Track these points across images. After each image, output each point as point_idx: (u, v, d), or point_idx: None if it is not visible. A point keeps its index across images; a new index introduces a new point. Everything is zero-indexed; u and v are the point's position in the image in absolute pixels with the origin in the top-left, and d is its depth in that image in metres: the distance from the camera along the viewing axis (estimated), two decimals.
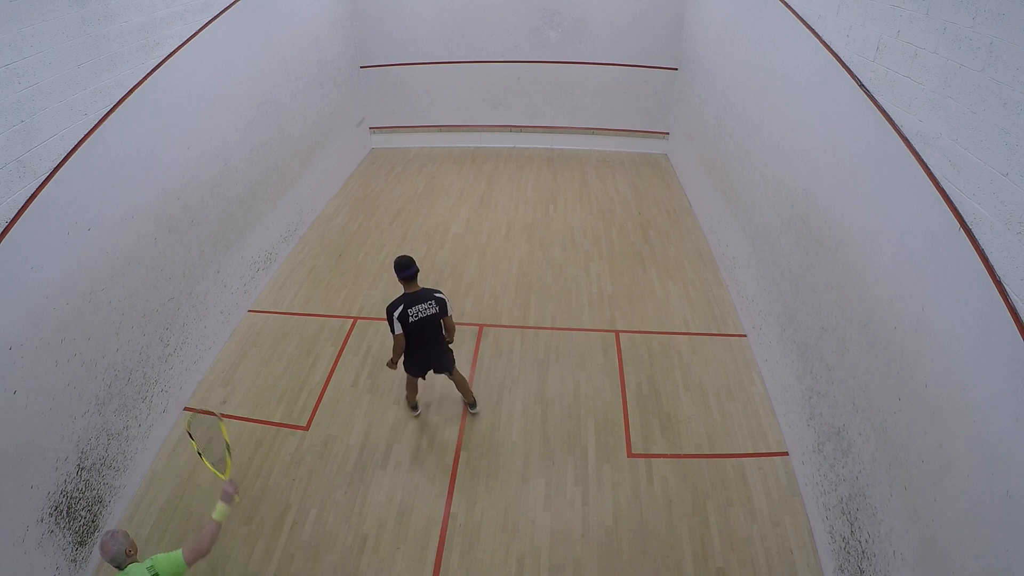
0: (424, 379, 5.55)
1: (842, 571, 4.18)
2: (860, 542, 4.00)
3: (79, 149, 4.49)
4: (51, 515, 4.21)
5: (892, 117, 3.93)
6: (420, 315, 4.89)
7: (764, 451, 5.41)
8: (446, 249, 8.50)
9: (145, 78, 5.25)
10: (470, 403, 5.78)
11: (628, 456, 5.37)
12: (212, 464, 3.80)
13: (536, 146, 11.83)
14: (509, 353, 6.57)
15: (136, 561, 3.30)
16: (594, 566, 4.52)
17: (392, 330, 4.88)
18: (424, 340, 5.07)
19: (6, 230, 3.87)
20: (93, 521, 4.61)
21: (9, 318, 3.89)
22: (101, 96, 4.74)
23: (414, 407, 5.75)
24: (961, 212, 3.21)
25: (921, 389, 3.45)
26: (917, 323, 3.53)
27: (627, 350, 6.60)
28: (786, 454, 5.36)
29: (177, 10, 5.71)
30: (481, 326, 6.99)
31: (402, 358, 5.19)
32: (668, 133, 11.36)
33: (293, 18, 8.37)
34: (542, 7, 10.59)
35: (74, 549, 4.39)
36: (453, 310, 5.21)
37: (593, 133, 11.61)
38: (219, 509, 3.53)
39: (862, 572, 3.92)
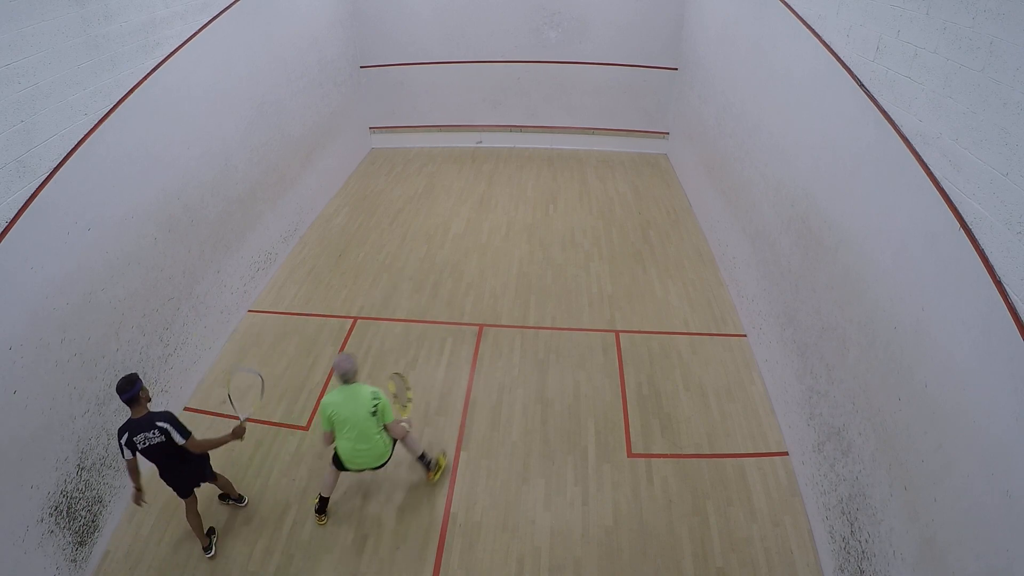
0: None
1: (842, 571, 4.18)
2: (860, 542, 4.00)
3: (79, 149, 4.50)
4: (51, 515, 4.21)
5: (892, 117, 3.93)
6: (147, 443, 4.16)
7: (764, 451, 5.41)
8: (446, 249, 8.50)
9: (145, 78, 5.25)
10: (235, 498, 5.00)
11: (628, 456, 5.37)
12: (403, 406, 4.87)
13: (536, 146, 11.83)
14: (509, 353, 6.57)
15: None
16: (594, 566, 4.52)
17: (122, 455, 4.19)
18: (168, 464, 4.38)
19: (6, 230, 3.87)
20: (93, 521, 4.61)
21: (9, 318, 3.89)
22: (101, 96, 4.74)
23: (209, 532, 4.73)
24: (961, 212, 3.21)
25: (921, 389, 3.45)
26: (917, 323, 3.53)
27: (627, 350, 6.60)
28: (786, 454, 5.36)
29: (177, 10, 5.71)
30: (481, 326, 6.99)
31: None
32: (668, 133, 11.36)
33: (293, 18, 8.37)
34: (542, 7, 10.59)
35: (74, 549, 4.39)
36: (192, 429, 4.32)
37: (593, 133, 11.61)
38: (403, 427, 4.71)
39: (862, 572, 3.92)
